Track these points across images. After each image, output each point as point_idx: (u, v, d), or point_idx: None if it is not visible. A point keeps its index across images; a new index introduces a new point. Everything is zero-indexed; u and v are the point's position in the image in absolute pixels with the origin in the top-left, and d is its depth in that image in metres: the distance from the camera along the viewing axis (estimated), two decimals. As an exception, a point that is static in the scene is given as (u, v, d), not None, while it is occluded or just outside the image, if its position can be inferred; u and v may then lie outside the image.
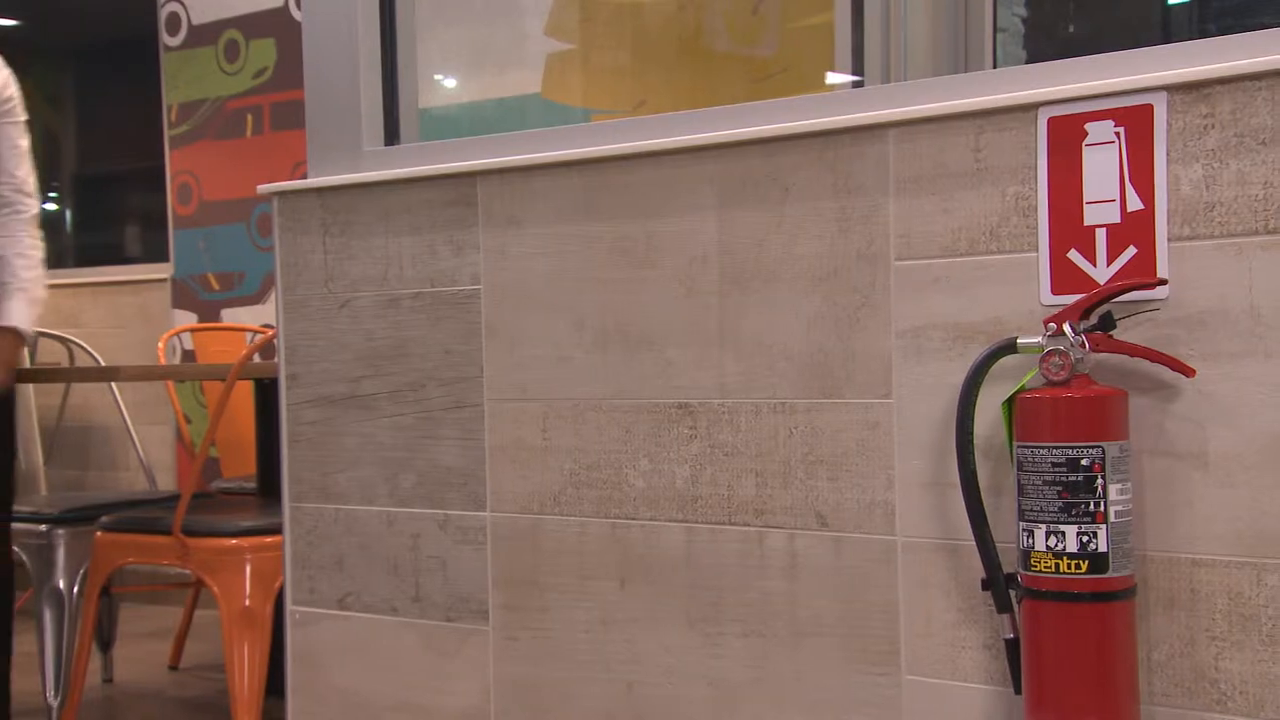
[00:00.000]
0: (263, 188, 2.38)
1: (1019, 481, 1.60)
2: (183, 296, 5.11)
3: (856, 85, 3.02)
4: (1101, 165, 1.64)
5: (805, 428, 1.86)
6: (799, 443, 1.86)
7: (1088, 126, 1.65)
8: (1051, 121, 1.67)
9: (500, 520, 2.13)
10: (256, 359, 3.30)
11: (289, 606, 2.36)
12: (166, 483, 4.91)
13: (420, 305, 2.19)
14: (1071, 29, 3.70)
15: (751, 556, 1.90)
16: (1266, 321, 1.55)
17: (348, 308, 2.27)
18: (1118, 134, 1.63)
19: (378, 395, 2.24)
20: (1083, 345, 1.58)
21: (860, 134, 1.81)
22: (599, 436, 2.03)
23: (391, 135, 2.33)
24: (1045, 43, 3.57)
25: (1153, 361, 1.59)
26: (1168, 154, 1.60)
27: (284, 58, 4.78)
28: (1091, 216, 1.65)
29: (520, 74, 3.98)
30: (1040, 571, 1.57)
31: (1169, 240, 1.60)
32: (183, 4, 5.06)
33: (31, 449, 4.73)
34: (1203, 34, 2.52)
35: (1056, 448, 1.56)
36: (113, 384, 4.36)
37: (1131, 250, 1.62)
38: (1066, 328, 1.59)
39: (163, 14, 5.12)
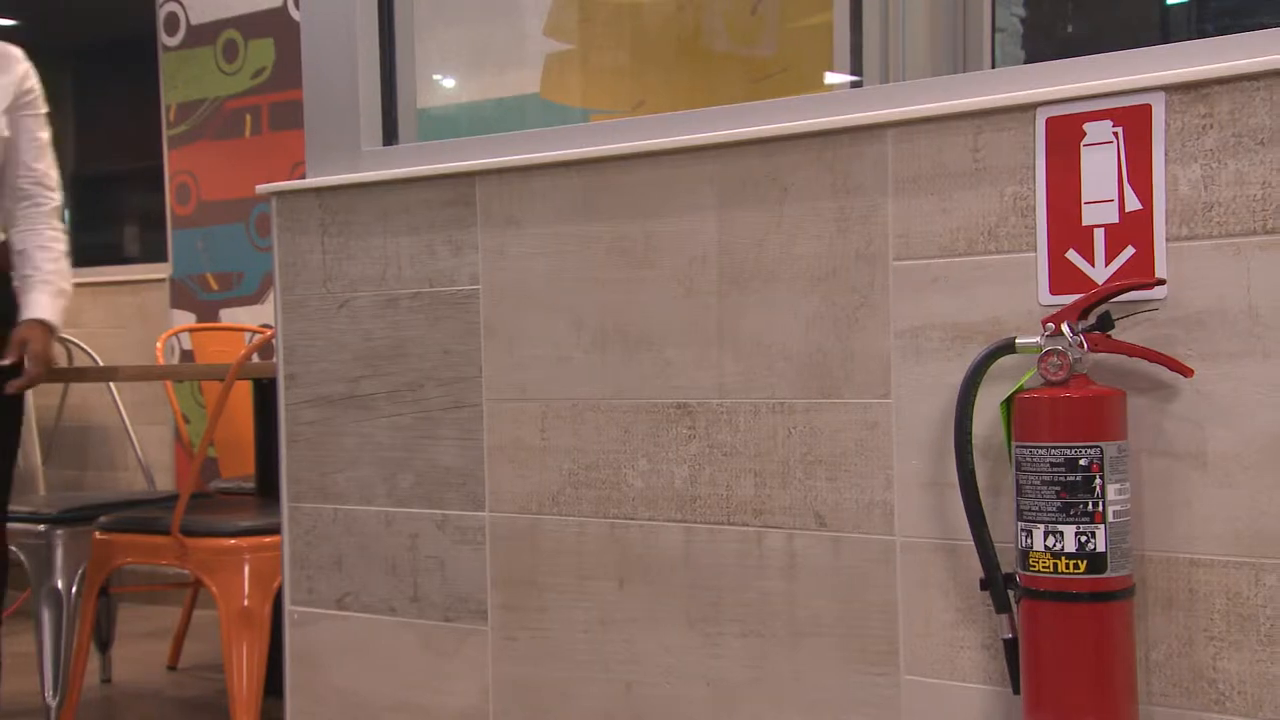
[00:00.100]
0: (261, 188, 2.38)
1: (1017, 481, 1.60)
2: (181, 296, 5.10)
3: (855, 85, 3.03)
4: (1100, 165, 1.64)
5: (804, 428, 1.86)
6: (798, 443, 1.86)
7: (1086, 126, 1.65)
8: (1050, 121, 1.67)
9: (499, 520, 2.13)
10: (255, 359, 3.30)
11: (287, 606, 2.36)
12: (165, 483, 4.91)
13: (419, 305, 2.19)
14: (1070, 29, 3.70)
15: (750, 556, 1.90)
16: (1265, 321, 1.55)
17: (346, 308, 2.27)
18: (1116, 134, 1.63)
19: (376, 395, 2.24)
20: (1081, 345, 1.58)
21: (859, 134, 1.81)
22: (598, 436, 2.03)
23: (390, 135, 2.33)
24: (1044, 43, 3.57)
25: (1151, 361, 1.59)
26: (1166, 154, 1.60)
27: (282, 58, 4.78)
28: (1090, 216, 1.65)
29: (519, 74, 3.98)
30: (1038, 571, 1.57)
31: (1167, 240, 1.60)
32: (181, 4, 5.06)
33: (30, 449, 4.72)
34: (1201, 34, 2.53)
35: (1055, 448, 1.56)
36: (111, 384, 4.35)
37: (1130, 250, 1.62)
38: (1065, 328, 1.59)
39: (161, 14, 5.11)
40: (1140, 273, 1.61)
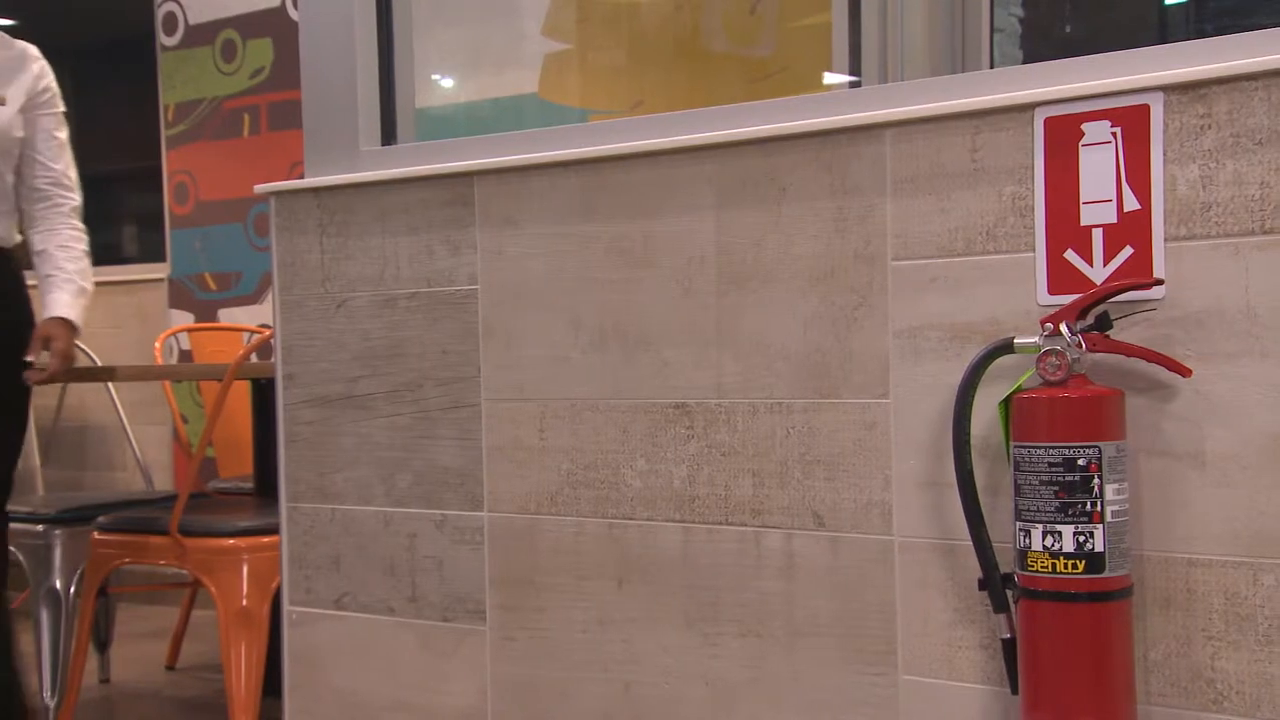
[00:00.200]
0: (260, 187, 2.38)
1: (1015, 481, 1.60)
2: (179, 296, 5.10)
3: (854, 85, 3.03)
4: (1098, 165, 1.64)
5: (802, 428, 1.86)
6: (796, 443, 1.86)
7: (1084, 127, 1.65)
8: (1048, 122, 1.67)
9: (497, 520, 2.13)
10: (253, 359, 3.30)
11: (286, 606, 2.36)
12: (163, 483, 4.91)
13: (417, 305, 2.19)
14: (1068, 29, 3.71)
15: (748, 556, 1.90)
16: (1263, 321, 1.55)
17: (345, 308, 2.27)
18: (1114, 134, 1.63)
19: (374, 395, 2.24)
20: (1079, 345, 1.58)
21: (857, 134, 1.81)
22: (596, 436, 2.03)
23: (388, 135, 2.33)
24: (1042, 43, 3.57)
25: (1149, 361, 1.59)
26: (1164, 154, 1.60)
27: (281, 58, 4.78)
28: (1088, 217, 1.65)
29: (517, 74, 3.98)
30: (1037, 571, 1.57)
31: (1165, 240, 1.60)
32: (179, 4, 5.06)
33: (28, 449, 4.72)
34: (1199, 34, 2.53)
35: (1053, 448, 1.56)
36: (109, 384, 4.35)
37: (1128, 250, 1.62)
38: (1063, 328, 1.59)
39: (159, 14, 5.11)
40: (1138, 273, 1.61)
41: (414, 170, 2.19)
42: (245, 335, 4.51)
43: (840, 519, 1.83)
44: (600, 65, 3.85)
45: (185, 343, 4.94)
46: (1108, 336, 1.60)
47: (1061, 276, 1.66)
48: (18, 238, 3.06)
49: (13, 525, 3.28)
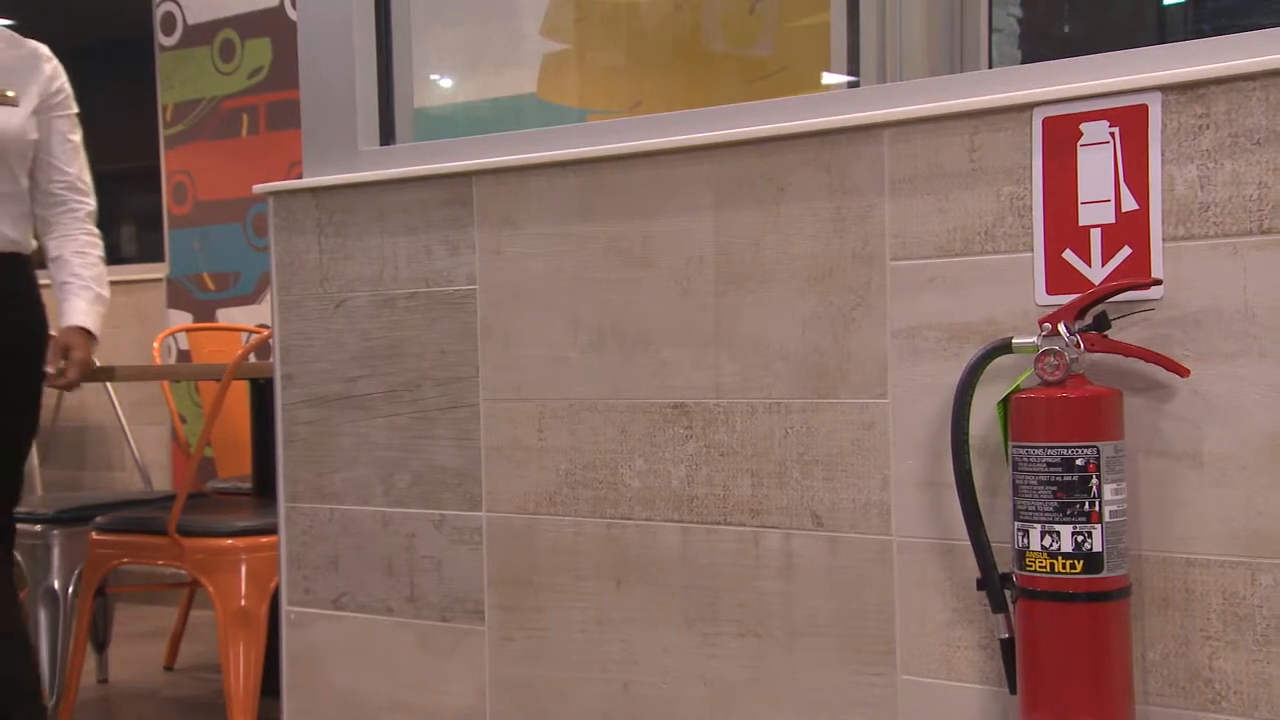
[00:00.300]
0: (258, 187, 2.38)
1: (1014, 481, 1.60)
2: (178, 296, 5.10)
3: (852, 85, 3.03)
4: (1096, 165, 1.64)
5: (801, 428, 1.86)
6: (794, 443, 1.86)
7: (1083, 127, 1.65)
8: (1046, 122, 1.67)
9: (495, 520, 2.13)
10: (252, 359, 3.30)
11: (284, 607, 2.35)
12: (162, 483, 4.91)
13: (415, 305, 2.19)
14: (1066, 29, 3.71)
15: (747, 556, 1.90)
16: (1261, 321, 1.55)
17: (343, 308, 2.27)
18: (1113, 134, 1.63)
19: (373, 395, 2.24)
20: (1078, 345, 1.58)
21: (856, 134, 1.81)
22: (594, 436, 2.03)
23: (387, 135, 2.33)
24: (1040, 43, 3.57)
25: (1147, 361, 1.59)
26: (1162, 154, 1.60)
27: (279, 57, 4.78)
28: (1086, 217, 1.65)
29: (516, 74, 3.98)
30: (1035, 571, 1.58)
31: (1164, 240, 1.60)
32: (178, 4, 5.06)
33: (27, 449, 4.72)
34: (1198, 34, 2.53)
35: (1051, 448, 1.56)
36: (108, 384, 4.35)
37: (1126, 250, 1.62)
38: (1061, 328, 1.59)
39: (158, 13, 5.11)
40: (1137, 273, 1.61)
41: (412, 170, 2.19)
42: (244, 335, 4.51)
43: (839, 519, 1.83)
44: (599, 65, 3.85)
45: (184, 343, 4.94)
46: (1106, 336, 1.60)
47: (1060, 276, 1.66)
48: (33, 243, 3.02)
49: (12, 525, 3.28)
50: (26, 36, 3.03)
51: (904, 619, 1.79)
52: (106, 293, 3.08)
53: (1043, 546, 1.57)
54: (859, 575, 1.82)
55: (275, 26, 4.79)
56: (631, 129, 2.02)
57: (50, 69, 3.00)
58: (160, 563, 3.21)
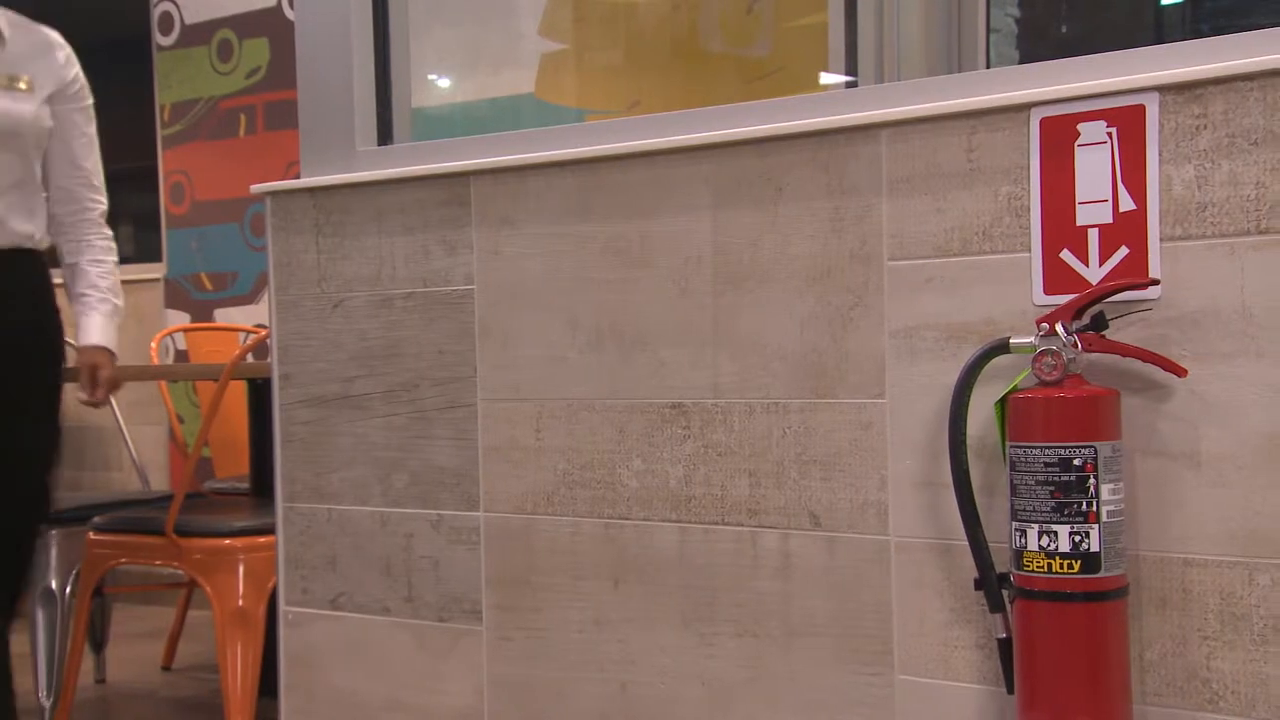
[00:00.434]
0: (256, 187, 2.38)
1: (1011, 481, 1.60)
2: (176, 296, 5.10)
3: (850, 85, 3.03)
4: (1094, 165, 1.64)
5: (799, 428, 1.86)
6: (792, 443, 1.86)
7: (1080, 127, 1.65)
8: (1044, 122, 1.67)
9: (493, 520, 2.13)
10: (250, 359, 3.30)
11: (282, 607, 2.35)
12: (159, 483, 4.91)
13: (413, 305, 2.19)
14: (1064, 29, 3.71)
15: (745, 556, 1.90)
16: (1258, 321, 1.55)
17: (341, 308, 2.27)
18: (1110, 134, 1.63)
19: (371, 395, 2.24)
20: (1075, 345, 1.58)
21: (854, 134, 1.81)
22: (592, 436, 2.03)
23: (385, 135, 2.33)
24: (1038, 43, 3.57)
25: (1145, 361, 1.59)
26: (1160, 154, 1.61)
27: (277, 57, 4.78)
28: (1084, 217, 1.65)
29: (514, 74, 3.98)
30: (1033, 571, 1.58)
31: (1161, 240, 1.60)
32: (175, 3, 5.06)
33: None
34: (1195, 34, 2.53)
35: (1049, 448, 1.56)
36: (106, 384, 4.34)
37: (1124, 250, 1.62)
38: (1059, 328, 1.59)
39: (155, 13, 5.11)
40: (1134, 273, 1.62)
41: (410, 170, 2.19)
42: (241, 335, 4.51)
43: (836, 519, 1.83)
44: (597, 65, 3.85)
45: (181, 343, 4.94)
46: (1103, 336, 1.60)
47: (1057, 276, 1.66)
48: (47, 241, 2.93)
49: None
50: None
51: (902, 619, 1.79)
52: (122, 301, 3.03)
53: (1040, 546, 1.57)
54: (857, 575, 1.82)
55: (273, 26, 4.79)
56: (629, 129, 2.02)
57: (64, 56, 2.91)
58: (158, 563, 3.21)
